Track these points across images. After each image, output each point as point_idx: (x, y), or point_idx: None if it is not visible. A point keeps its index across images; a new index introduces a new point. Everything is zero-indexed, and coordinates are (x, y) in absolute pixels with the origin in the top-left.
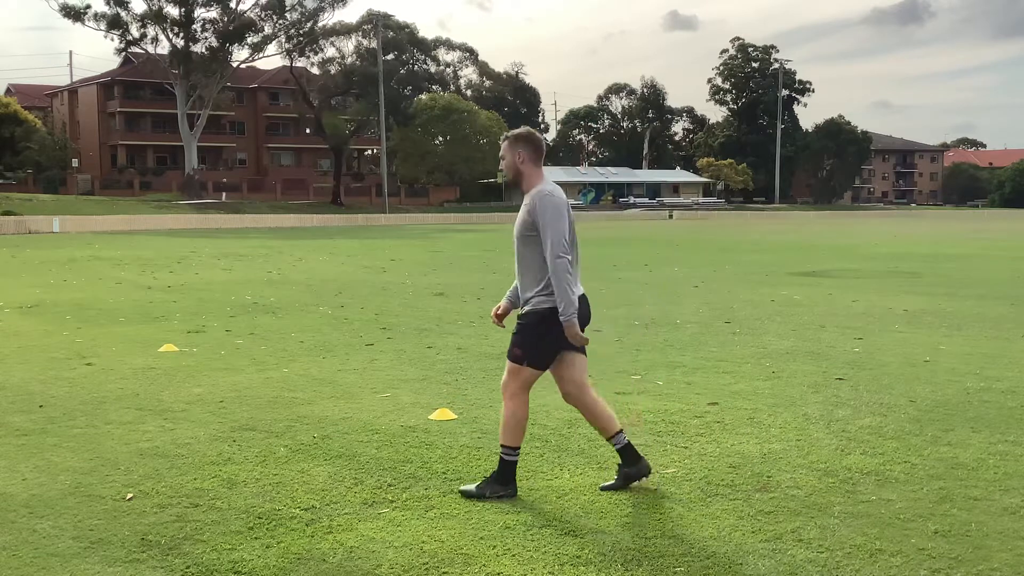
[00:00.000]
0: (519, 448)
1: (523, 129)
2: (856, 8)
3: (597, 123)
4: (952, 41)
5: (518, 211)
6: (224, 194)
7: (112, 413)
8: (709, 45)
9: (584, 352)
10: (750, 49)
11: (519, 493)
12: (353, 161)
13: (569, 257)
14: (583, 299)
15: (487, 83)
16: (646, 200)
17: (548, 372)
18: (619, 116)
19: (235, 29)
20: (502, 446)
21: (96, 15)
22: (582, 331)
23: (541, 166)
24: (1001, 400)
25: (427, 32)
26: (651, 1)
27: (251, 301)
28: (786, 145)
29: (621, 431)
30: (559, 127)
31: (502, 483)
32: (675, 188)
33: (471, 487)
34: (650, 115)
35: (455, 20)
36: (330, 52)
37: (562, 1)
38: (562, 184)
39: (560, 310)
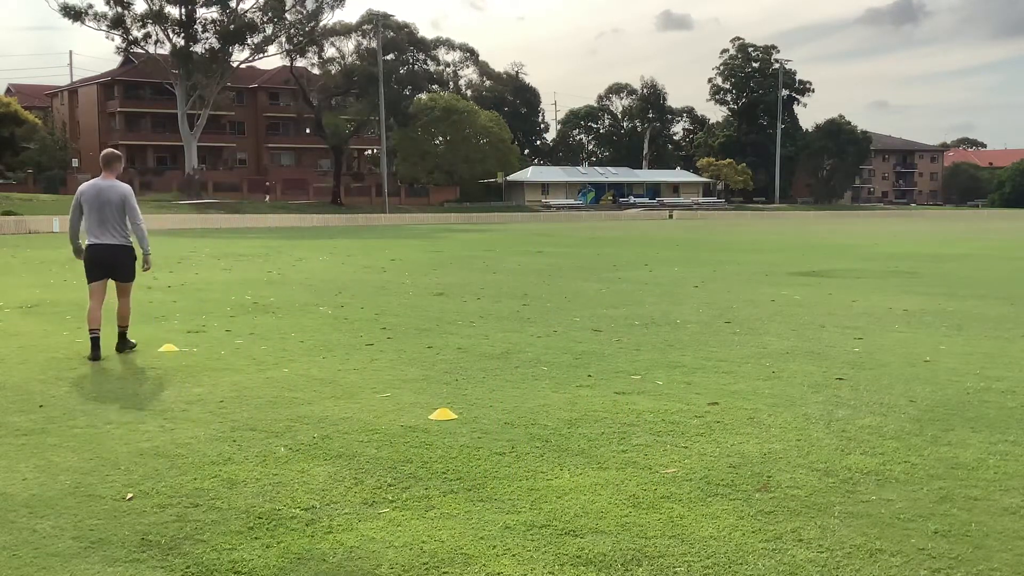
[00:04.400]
0: (96, 330)
1: (103, 151)
2: (851, 8)
3: (597, 123)
4: (952, 41)
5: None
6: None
7: (112, 413)
8: (708, 45)
9: (121, 279)
10: (750, 49)
11: (520, 492)
12: (353, 161)
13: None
14: (99, 246)
15: (487, 83)
16: (646, 200)
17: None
18: (619, 116)
19: (236, 30)
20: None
21: (97, 15)
22: (110, 267)
23: (106, 170)
24: (1001, 400)
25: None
26: (647, 1)
27: (251, 301)
28: (786, 145)
29: (97, 330)
30: (559, 127)
31: (92, 353)
32: (675, 188)
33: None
34: (650, 115)
35: (450, 20)
36: (330, 52)
37: (559, 1)
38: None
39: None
